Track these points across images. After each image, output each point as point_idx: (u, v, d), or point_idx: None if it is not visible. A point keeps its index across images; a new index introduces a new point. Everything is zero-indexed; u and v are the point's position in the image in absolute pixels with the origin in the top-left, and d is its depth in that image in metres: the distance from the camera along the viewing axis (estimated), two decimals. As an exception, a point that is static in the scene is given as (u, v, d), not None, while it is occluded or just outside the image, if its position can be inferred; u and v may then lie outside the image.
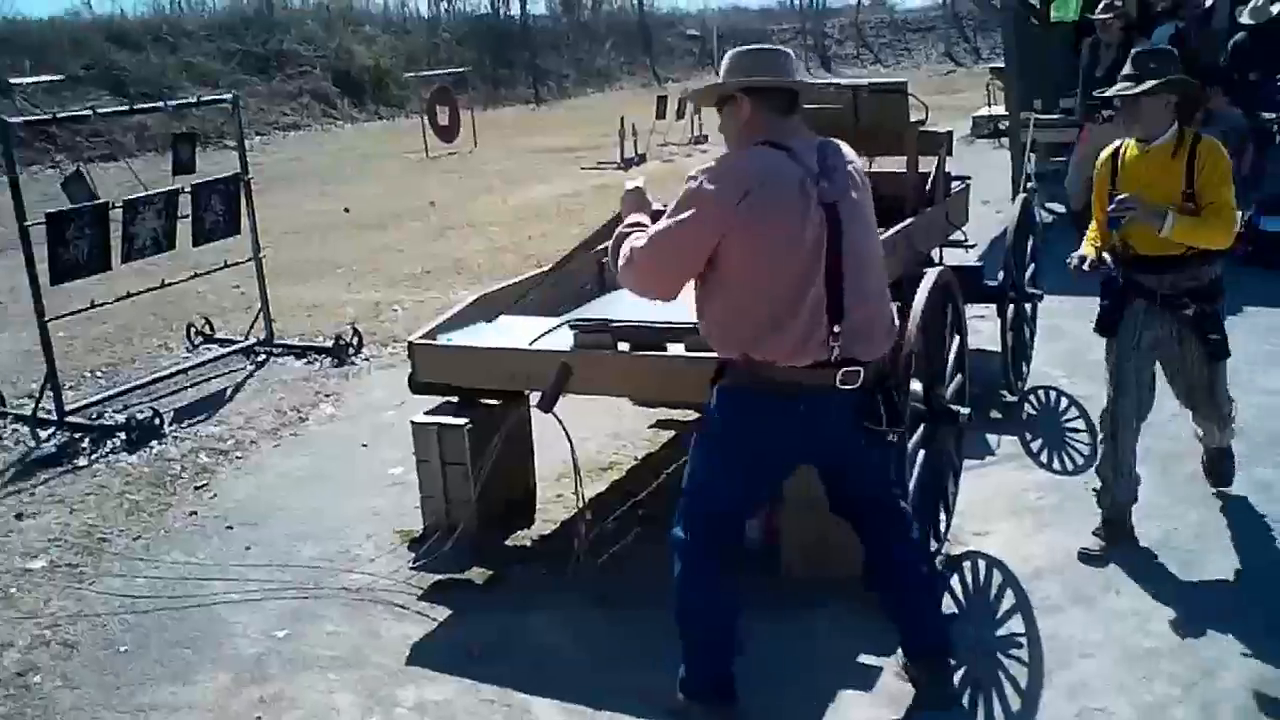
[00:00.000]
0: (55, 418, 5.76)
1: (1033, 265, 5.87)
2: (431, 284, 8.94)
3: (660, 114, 16.64)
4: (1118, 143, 4.02)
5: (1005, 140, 11.17)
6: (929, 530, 3.81)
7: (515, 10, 32.42)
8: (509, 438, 4.20)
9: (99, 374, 6.85)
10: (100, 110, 7.12)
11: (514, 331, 4.16)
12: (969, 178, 6.11)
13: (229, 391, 6.45)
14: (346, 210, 12.57)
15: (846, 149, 3.02)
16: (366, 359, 6.95)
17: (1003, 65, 11.28)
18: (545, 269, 4.80)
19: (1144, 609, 3.65)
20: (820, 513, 3.32)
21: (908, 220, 4.97)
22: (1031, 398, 5.69)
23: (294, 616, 3.90)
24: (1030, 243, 5.86)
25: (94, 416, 5.94)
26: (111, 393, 6.27)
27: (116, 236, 5.94)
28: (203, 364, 6.82)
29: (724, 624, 3.08)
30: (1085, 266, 3.91)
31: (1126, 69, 3.87)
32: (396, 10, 31.97)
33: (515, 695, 3.36)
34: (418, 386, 4.18)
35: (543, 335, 4.05)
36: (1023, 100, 9.84)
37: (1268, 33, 8.69)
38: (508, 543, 4.34)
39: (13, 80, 17.40)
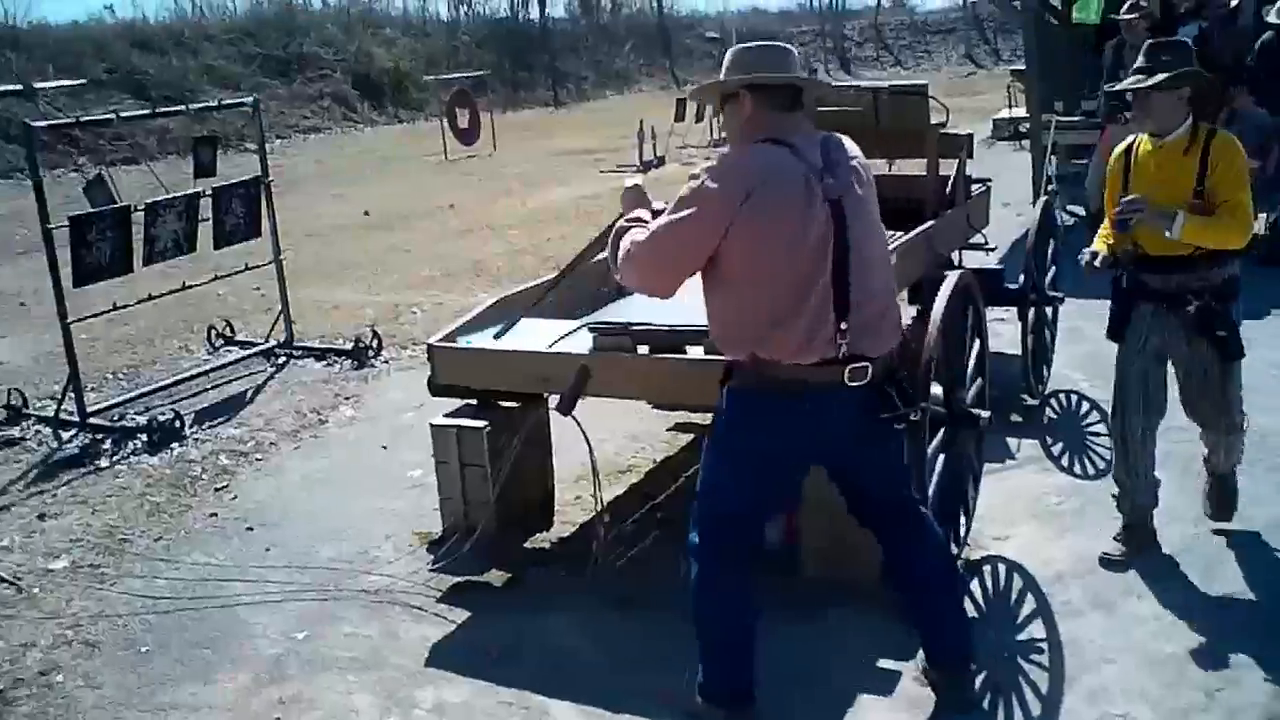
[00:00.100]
0: (77, 419, 5.80)
1: (1054, 268, 5.85)
2: (451, 286, 8.97)
3: (679, 116, 16.63)
4: (1131, 138, 3.93)
5: (1025, 143, 11.16)
6: (949, 534, 3.80)
7: (534, 13, 32.47)
8: (528, 440, 4.20)
9: (121, 376, 6.89)
10: (122, 114, 7.20)
11: (533, 334, 4.16)
12: (989, 180, 6.09)
13: (249, 393, 6.48)
14: (366, 213, 12.62)
15: (849, 143, 2.99)
16: (386, 361, 6.97)
17: (1023, 67, 11.28)
18: (563, 269, 4.80)
19: (1166, 614, 3.62)
20: (839, 513, 3.30)
21: (928, 223, 4.95)
22: (1052, 401, 5.66)
23: (313, 618, 3.91)
24: (1051, 246, 5.83)
25: (116, 418, 5.98)
26: (133, 394, 6.31)
27: (138, 239, 5.99)
28: (223, 366, 6.86)
29: (740, 627, 3.05)
30: (1097, 263, 3.83)
31: (1139, 62, 3.76)
32: (416, 13, 32.07)
33: (533, 697, 3.36)
34: (437, 389, 4.18)
35: (562, 338, 4.05)
36: (1044, 102, 9.82)
37: (1295, 32, 8.61)
38: (526, 545, 4.34)
39: (36, 84, 17.56)
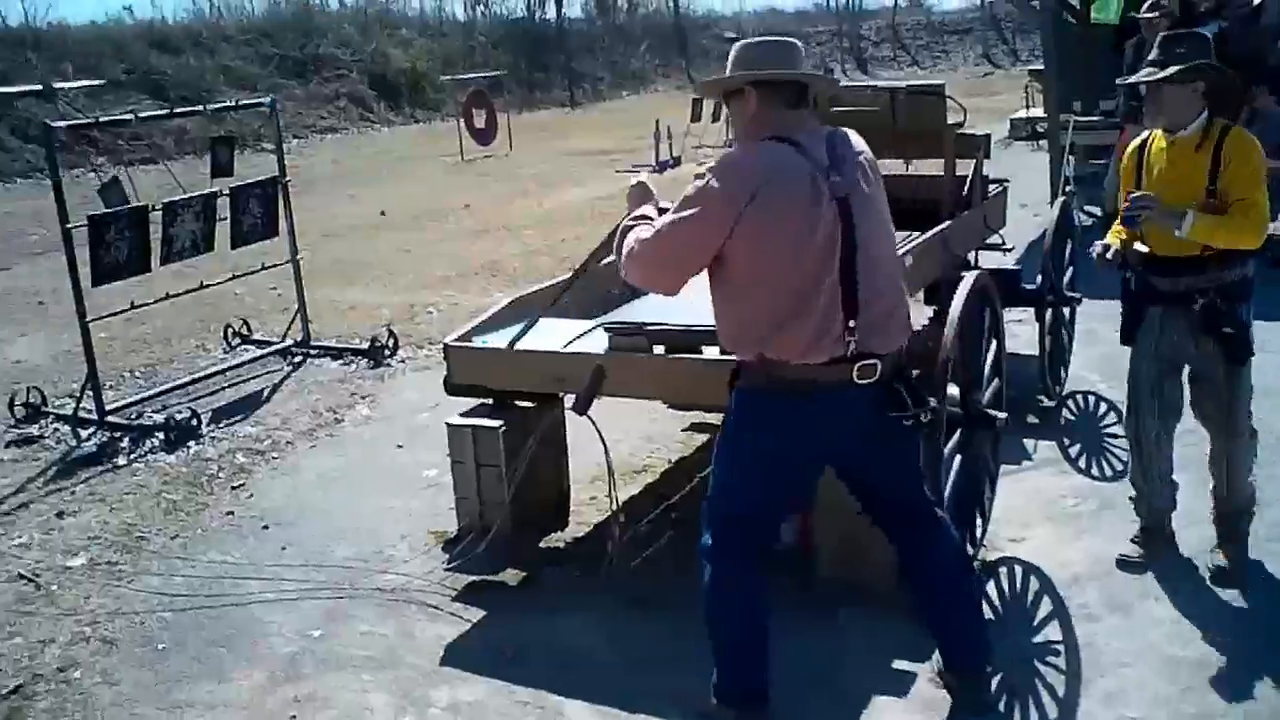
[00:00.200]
0: (95, 417, 5.84)
1: (1071, 269, 5.82)
2: (467, 286, 8.98)
3: (695, 117, 16.56)
4: (1145, 133, 3.84)
5: (1043, 143, 11.11)
6: (965, 536, 3.78)
7: (551, 13, 32.52)
8: (543, 440, 4.21)
9: (138, 374, 6.92)
10: (140, 114, 7.24)
11: (548, 334, 4.16)
12: (1007, 181, 6.06)
13: (266, 392, 6.50)
14: (383, 213, 12.65)
15: (856, 138, 2.96)
16: (402, 361, 6.98)
17: (1041, 67, 11.23)
18: (577, 268, 4.81)
19: (1183, 617, 3.60)
20: (853, 513, 3.30)
21: (945, 223, 4.94)
22: (1069, 402, 5.63)
23: (328, 616, 3.92)
24: (1069, 246, 5.81)
25: (133, 416, 6.01)
26: (150, 393, 6.34)
27: (156, 239, 6.02)
28: (240, 365, 6.89)
29: (752, 627, 3.04)
30: (1109, 255, 3.74)
31: (1152, 54, 3.65)
32: (433, 14, 32.13)
33: (548, 697, 3.36)
34: (453, 388, 4.19)
35: (577, 338, 4.05)
36: (1062, 102, 9.77)
37: (1319, 30, 8.56)
38: (541, 544, 4.35)
39: (55, 85, 17.65)
